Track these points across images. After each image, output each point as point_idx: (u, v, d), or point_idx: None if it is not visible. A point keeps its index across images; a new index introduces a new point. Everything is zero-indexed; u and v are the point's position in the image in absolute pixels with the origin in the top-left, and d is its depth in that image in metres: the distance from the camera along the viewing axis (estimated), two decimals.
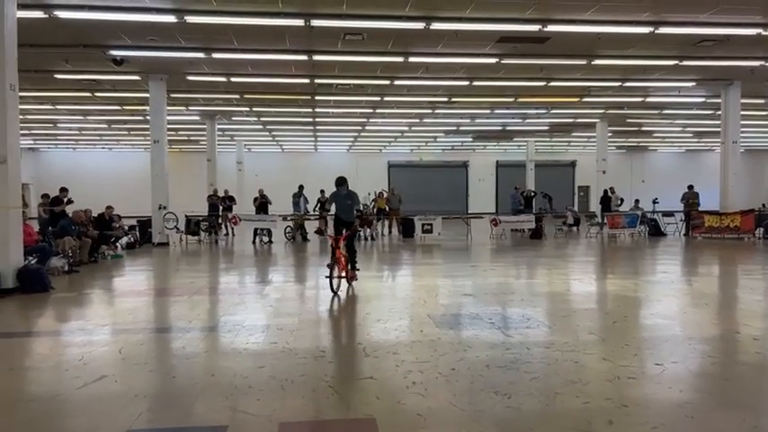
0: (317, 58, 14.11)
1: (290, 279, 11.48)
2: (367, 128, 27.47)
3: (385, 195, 22.33)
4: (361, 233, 19.78)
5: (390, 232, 21.61)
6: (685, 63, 14.77)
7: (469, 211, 36.74)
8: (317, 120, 24.98)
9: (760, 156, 39.63)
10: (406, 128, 27.63)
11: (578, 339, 5.99)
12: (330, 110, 22.05)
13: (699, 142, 35.16)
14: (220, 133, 27.76)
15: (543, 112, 23.19)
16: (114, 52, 13.70)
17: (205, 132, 25.61)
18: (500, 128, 27.84)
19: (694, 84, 17.75)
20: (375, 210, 21.77)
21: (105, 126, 26.69)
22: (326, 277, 8.63)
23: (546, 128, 28.27)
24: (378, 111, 22.21)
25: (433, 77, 16.41)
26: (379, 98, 19.51)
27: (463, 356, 5.33)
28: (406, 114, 23.41)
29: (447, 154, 39.29)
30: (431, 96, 19.37)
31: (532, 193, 25.27)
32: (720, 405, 4.22)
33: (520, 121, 25.46)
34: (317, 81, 16.98)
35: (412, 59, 14.19)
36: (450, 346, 5.71)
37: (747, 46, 13.30)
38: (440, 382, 4.63)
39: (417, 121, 25.16)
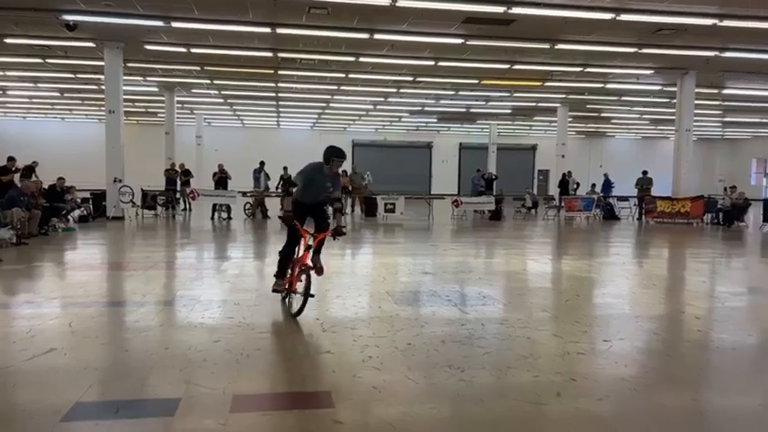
0: (280, 31, 13.83)
1: (249, 255, 11.38)
2: (331, 105, 27.22)
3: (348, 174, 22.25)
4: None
5: (353, 211, 21.58)
6: (644, 51, 15.07)
7: (432, 192, 37.00)
8: (281, 95, 24.61)
9: (711, 144, 40.99)
10: (371, 106, 27.49)
11: (531, 316, 6.15)
12: (294, 85, 21.73)
13: (654, 129, 36.12)
14: (179, 106, 27.06)
15: (506, 95, 23.40)
16: (67, 17, 13.13)
17: (163, 104, 24.92)
18: (464, 110, 27.99)
19: (652, 72, 18.16)
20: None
21: (58, 95, 25.67)
22: (276, 291, 6.22)
23: (509, 111, 28.55)
24: (342, 88, 22.00)
25: (398, 56, 16.33)
26: (343, 75, 19.32)
27: (420, 332, 5.41)
28: (372, 93, 23.27)
29: (412, 134, 39.34)
30: (396, 75, 19.29)
31: (493, 176, 25.62)
32: (663, 379, 4.40)
33: (483, 103, 25.63)
34: (281, 55, 16.67)
35: (377, 36, 14.06)
36: (407, 321, 5.78)
37: (704, 36, 13.64)
38: (396, 356, 4.69)
39: (382, 99, 25.06)
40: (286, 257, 6.06)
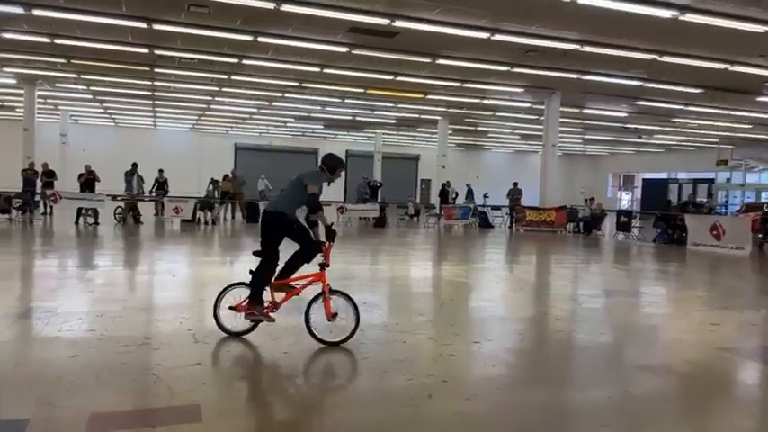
0: (157, 27, 13.13)
1: (119, 264, 10.64)
2: (213, 107, 26.27)
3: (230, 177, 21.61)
4: (201, 217, 18.97)
5: (233, 217, 20.96)
6: (516, 70, 16.11)
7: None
8: (157, 94, 23.34)
9: (574, 159, 44.64)
10: (255, 110, 26.90)
11: (409, 321, 6.31)
12: (172, 84, 20.72)
13: (525, 144, 38.66)
14: (41, 101, 24.76)
15: (391, 105, 23.95)
16: None
17: (23, 98, 22.68)
18: (350, 118, 28.24)
19: (523, 90, 19.45)
20: (218, 193, 21.02)
21: None
22: (254, 320, 5.29)
23: (393, 121, 29.23)
24: (224, 90, 21.33)
25: (283, 60, 16.13)
26: (226, 76, 18.74)
27: (297, 341, 5.34)
28: (256, 96, 22.77)
29: (298, 140, 39.01)
30: (281, 80, 19.04)
31: (378, 184, 26.08)
32: (526, 378, 4.70)
33: (369, 112, 26.03)
34: (158, 52, 15.82)
35: (262, 40, 13.79)
36: (285, 331, 5.68)
37: (569, 59, 14.84)
38: (272, 366, 4.60)
39: (267, 104, 24.62)
40: (267, 278, 5.32)
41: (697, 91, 17.87)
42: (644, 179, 41.85)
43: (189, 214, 18.59)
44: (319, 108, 25.28)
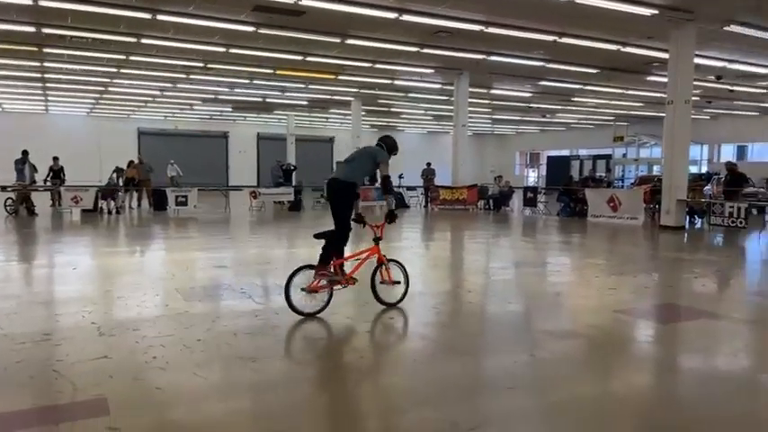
0: (44, 3, 12.14)
1: (12, 258, 9.87)
2: (111, 89, 24.75)
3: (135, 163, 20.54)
4: (104, 206, 17.97)
5: (139, 205, 20.00)
6: (425, 51, 16.34)
7: (230, 184, 35.88)
8: (48, 76, 21.66)
9: (483, 139, 46.04)
10: (158, 92, 25.64)
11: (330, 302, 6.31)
12: (64, 65, 19.29)
13: (437, 125, 39.42)
14: None
15: (302, 86, 23.59)
16: None
17: None
18: (260, 99, 27.57)
19: (433, 71, 19.78)
20: (122, 180, 19.94)
21: None
22: (336, 282, 5.65)
23: (305, 103, 28.84)
24: (124, 71, 20.14)
25: (186, 40, 15.42)
26: (124, 57, 17.69)
27: (211, 327, 5.21)
28: (158, 78, 21.67)
29: (206, 123, 37.63)
30: (185, 60, 18.23)
31: (292, 167, 25.71)
32: (441, 349, 4.85)
33: (280, 93, 25.52)
34: (46, 31, 14.66)
35: (161, 18, 13.11)
36: (197, 318, 5.53)
37: (475, 40, 15.23)
38: (183, 354, 4.46)
39: (170, 85, 23.51)
40: (341, 246, 5.75)
41: (594, 71, 18.91)
42: (548, 156, 43.91)
43: (90, 203, 17.54)
44: (227, 90, 24.49)
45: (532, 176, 45.08)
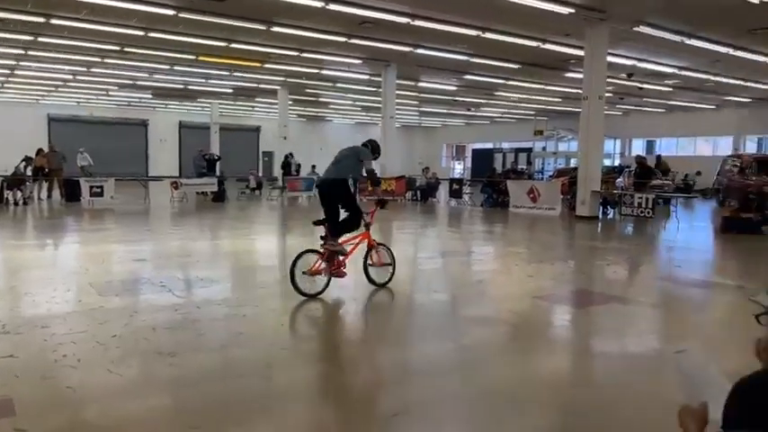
0: None
1: None
2: (17, 73, 23.10)
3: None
4: (10, 197, 16.80)
5: (50, 196, 18.83)
6: (352, 41, 16.27)
7: (150, 174, 34.41)
8: None
9: (411, 131, 46.56)
10: (71, 76, 24.16)
11: (250, 294, 6.21)
12: None
13: (366, 116, 39.46)
14: None
15: (226, 74, 22.92)
16: None
17: None
18: (182, 86, 26.56)
19: (360, 62, 19.74)
20: (30, 170, 18.69)
21: None
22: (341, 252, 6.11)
23: (230, 91, 28.07)
24: (31, 53, 18.83)
25: (101, 21, 14.59)
26: (32, 38, 16.52)
27: (128, 322, 5.00)
28: (70, 61, 20.41)
29: (123, 110, 35.84)
30: (100, 43, 17.25)
31: (216, 157, 24.96)
32: (368, 339, 4.88)
33: (203, 80, 24.68)
34: None
35: None
36: (113, 313, 5.29)
37: (402, 33, 15.32)
38: (97, 351, 4.26)
39: (84, 69, 22.20)
40: (353, 228, 6.21)
41: (515, 66, 19.50)
42: (473, 149, 44.99)
43: None
44: (146, 75, 23.43)
45: (458, 168, 46.03)
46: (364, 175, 6.38)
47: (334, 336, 4.83)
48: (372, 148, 6.48)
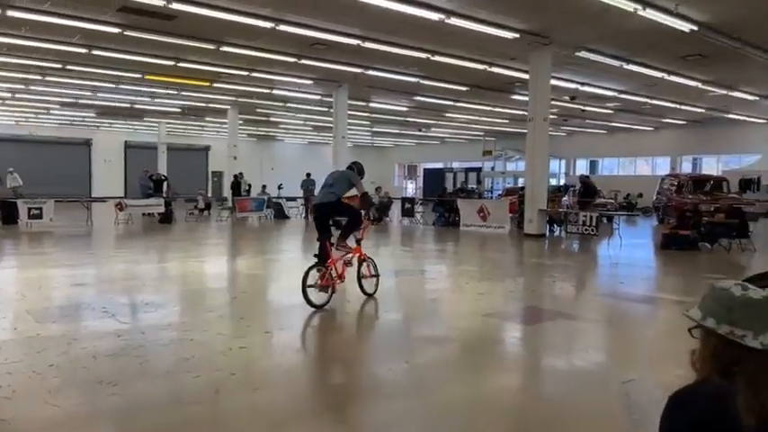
0: None
1: None
2: None
3: None
4: None
5: None
6: (303, 62, 16.29)
7: (94, 195, 33.24)
8: None
9: (363, 150, 46.71)
10: (9, 94, 23.23)
11: (197, 318, 6.05)
12: None
13: (318, 135, 39.44)
14: None
15: (175, 93, 22.51)
16: None
17: None
18: (128, 105, 25.92)
19: (312, 82, 19.77)
20: None
21: None
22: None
23: (178, 110, 27.56)
24: None
25: (41, 38, 14.14)
26: None
27: (67, 350, 4.79)
28: (8, 78, 19.64)
29: (66, 129, 34.64)
30: (40, 60, 16.68)
31: (163, 177, 24.38)
32: (314, 361, 4.83)
33: (149, 99, 24.16)
34: None
35: (11, 14, 11.91)
36: (51, 341, 5.05)
37: (352, 54, 15.45)
38: (33, 381, 4.05)
39: (23, 87, 21.39)
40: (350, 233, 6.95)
41: (464, 88, 19.95)
42: (425, 169, 45.57)
43: None
44: (90, 94, 22.76)
45: (410, 188, 46.49)
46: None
47: (285, 359, 4.75)
48: (358, 170, 7.12)
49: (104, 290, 7.68)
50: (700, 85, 18.23)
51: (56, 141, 34.71)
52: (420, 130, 35.16)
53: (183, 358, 4.62)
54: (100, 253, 12.00)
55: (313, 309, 6.25)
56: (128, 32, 13.29)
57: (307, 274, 6.36)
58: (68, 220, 17.68)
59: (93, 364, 4.45)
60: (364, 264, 7.00)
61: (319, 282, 6.44)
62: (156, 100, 24.22)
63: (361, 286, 6.96)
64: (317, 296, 6.38)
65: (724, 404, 1.44)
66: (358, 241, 6.97)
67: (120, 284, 8.11)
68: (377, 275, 7.14)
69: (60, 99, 24.47)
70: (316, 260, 6.63)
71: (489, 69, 16.53)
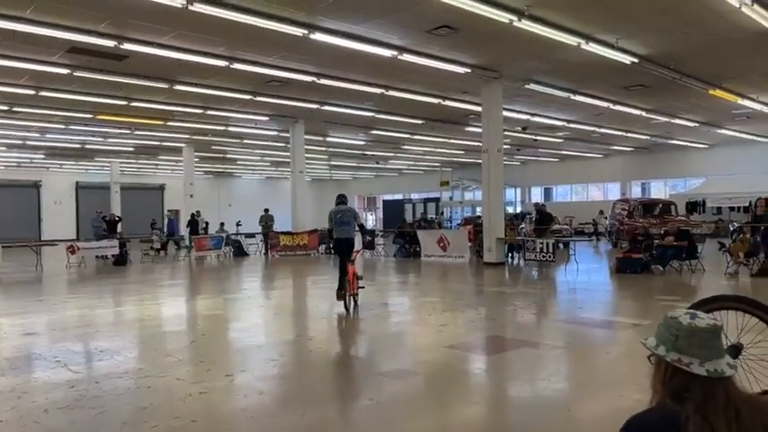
0: None
1: None
2: None
3: None
4: None
5: None
6: (259, 99, 16.34)
7: (44, 238, 32.08)
8: None
9: (322, 184, 46.84)
10: None
11: (155, 364, 5.87)
12: None
13: (276, 171, 39.32)
14: None
15: (127, 132, 22.16)
16: None
17: None
18: (79, 146, 25.34)
19: (268, 118, 19.80)
20: None
21: None
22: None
23: (131, 149, 27.11)
24: None
25: None
26: None
27: (16, 404, 4.57)
28: None
29: (13, 171, 33.55)
30: None
31: (117, 218, 23.76)
32: (278, 402, 4.73)
33: (101, 139, 23.69)
34: None
35: None
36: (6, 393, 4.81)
37: (308, 90, 15.59)
38: None
39: None
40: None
41: (419, 122, 20.33)
42: (384, 200, 45.84)
43: None
44: (38, 135, 22.19)
45: (371, 219, 46.60)
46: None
47: (248, 402, 4.64)
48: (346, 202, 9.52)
49: (56, 338, 7.36)
50: (643, 113, 19.08)
51: (2, 184, 33.56)
52: (378, 163, 35.48)
53: (140, 407, 4.47)
54: (51, 299, 11.54)
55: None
56: (77, 73, 13.12)
57: (340, 285, 8.95)
58: (17, 265, 17.00)
59: (44, 418, 4.26)
60: (355, 278, 8.88)
61: (351, 289, 8.73)
62: (109, 140, 23.79)
63: (353, 298, 8.89)
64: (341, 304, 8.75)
65: (676, 430, 1.50)
66: (351, 261, 8.91)
67: (74, 332, 7.81)
68: (363, 287, 9.27)
69: (7, 141, 23.77)
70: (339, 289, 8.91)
71: (443, 103, 16.92)
